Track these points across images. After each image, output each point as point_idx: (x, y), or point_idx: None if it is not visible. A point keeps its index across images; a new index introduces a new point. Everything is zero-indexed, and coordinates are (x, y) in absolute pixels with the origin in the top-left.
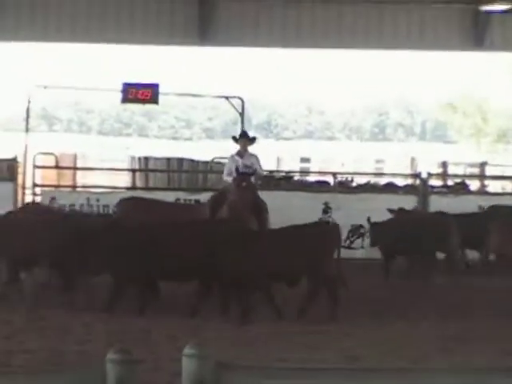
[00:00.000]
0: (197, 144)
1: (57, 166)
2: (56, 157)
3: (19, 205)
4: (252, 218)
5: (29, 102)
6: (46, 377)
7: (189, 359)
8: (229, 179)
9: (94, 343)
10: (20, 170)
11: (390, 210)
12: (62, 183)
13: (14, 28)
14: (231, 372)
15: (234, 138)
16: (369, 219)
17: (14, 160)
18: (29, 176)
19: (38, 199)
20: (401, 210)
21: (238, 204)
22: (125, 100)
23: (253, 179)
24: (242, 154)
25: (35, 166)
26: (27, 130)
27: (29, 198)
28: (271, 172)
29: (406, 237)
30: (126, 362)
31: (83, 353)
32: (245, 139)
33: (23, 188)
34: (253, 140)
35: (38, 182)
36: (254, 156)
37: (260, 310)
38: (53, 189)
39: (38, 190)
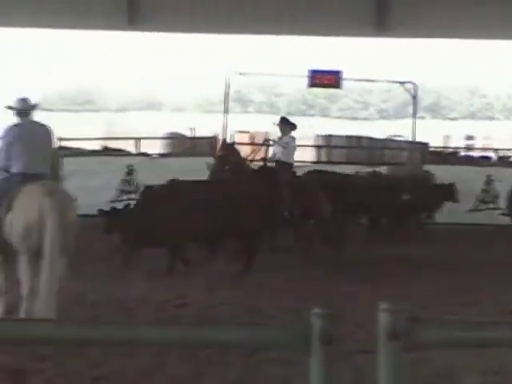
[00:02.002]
0: (372, 123)
1: (251, 143)
2: (251, 134)
3: None
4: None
5: (227, 86)
6: (255, 328)
7: (384, 313)
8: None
9: (285, 299)
10: (219, 146)
11: None
12: (256, 157)
13: (205, 21)
14: (423, 325)
15: (274, 123)
16: None
17: (215, 138)
18: None
19: None
20: None
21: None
22: (311, 85)
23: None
24: (281, 137)
25: (233, 143)
26: (225, 111)
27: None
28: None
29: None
30: (328, 316)
31: (277, 308)
32: (281, 124)
33: None
34: (290, 125)
35: None
36: (289, 137)
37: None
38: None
39: None
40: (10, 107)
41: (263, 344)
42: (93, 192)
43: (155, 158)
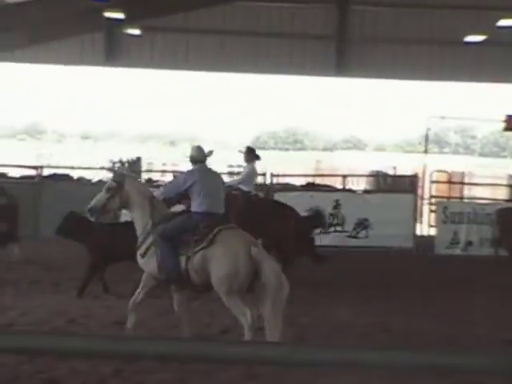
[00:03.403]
0: None
1: (449, 182)
2: (448, 174)
3: (418, 212)
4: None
5: (427, 129)
6: (469, 353)
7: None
8: None
9: (484, 327)
10: (419, 184)
11: None
12: (453, 195)
13: (407, 69)
14: None
15: (240, 151)
16: None
17: (415, 176)
18: (426, 189)
19: (433, 208)
20: None
21: None
22: (507, 128)
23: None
24: (245, 166)
25: (431, 181)
26: (425, 151)
27: (425, 208)
28: None
29: None
30: None
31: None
32: (246, 153)
33: (421, 199)
34: (255, 155)
35: (433, 193)
36: (251, 167)
37: None
38: (445, 200)
39: (432, 200)
40: (189, 156)
41: (476, 368)
42: None
43: (359, 193)
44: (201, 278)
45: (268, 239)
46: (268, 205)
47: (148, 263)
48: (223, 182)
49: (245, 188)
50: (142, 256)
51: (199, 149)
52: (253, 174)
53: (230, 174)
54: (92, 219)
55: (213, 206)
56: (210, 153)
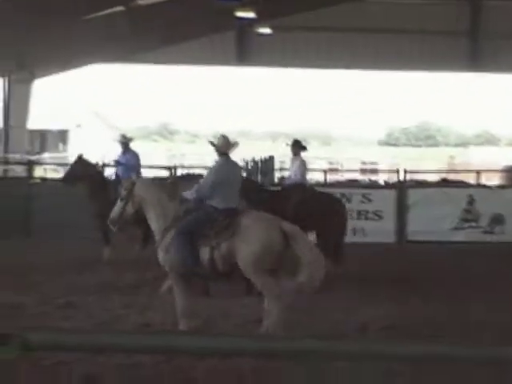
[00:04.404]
0: None
1: None
2: None
3: None
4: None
5: None
6: None
7: None
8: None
9: None
10: None
11: None
12: None
13: None
14: None
15: (287, 144)
16: None
17: None
18: None
19: None
20: None
21: None
22: None
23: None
24: (293, 159)
25: None
26: None
27: None
28: None
29: None
30: None
31: None
32: (293, 146)
33: None
34: (302, 147)
35: None
36: (300, 160)
37: None
38: None
39: None
40: (212, 144)
41: None
42: (434, 220)
43: (494, 189)
44: (229, 264)
45: (321, 233)
46: (322, 199)
47: (169, 259)
48: (242, 176)
49: (300, 181)
50: (166, 252)
51: (225, 140)
52: (304, 165)
53: (363, 170)
54: (114, 230)
55: (229, 201)
56: (236, 144)
